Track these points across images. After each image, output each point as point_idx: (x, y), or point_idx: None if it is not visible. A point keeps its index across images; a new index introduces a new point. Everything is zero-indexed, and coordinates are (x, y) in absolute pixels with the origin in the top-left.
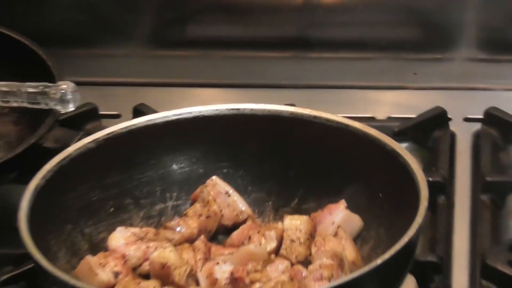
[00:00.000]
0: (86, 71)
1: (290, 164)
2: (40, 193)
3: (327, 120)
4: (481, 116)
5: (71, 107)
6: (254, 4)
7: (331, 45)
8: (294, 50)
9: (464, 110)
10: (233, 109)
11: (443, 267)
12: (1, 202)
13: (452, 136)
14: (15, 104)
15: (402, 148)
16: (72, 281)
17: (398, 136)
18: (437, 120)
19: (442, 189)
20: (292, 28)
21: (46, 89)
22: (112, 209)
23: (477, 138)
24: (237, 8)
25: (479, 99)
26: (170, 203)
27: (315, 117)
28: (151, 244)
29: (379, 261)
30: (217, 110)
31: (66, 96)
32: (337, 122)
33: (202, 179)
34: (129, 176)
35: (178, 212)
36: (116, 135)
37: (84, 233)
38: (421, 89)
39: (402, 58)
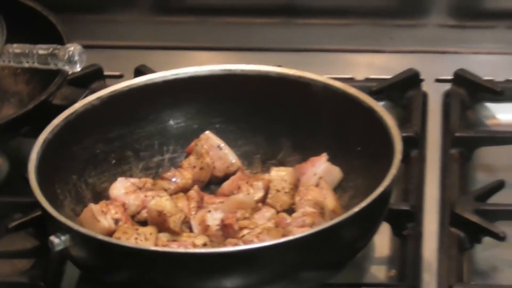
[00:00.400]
0: (92, 35)
1: (277, 120)
2: (48, 145)
3: (311, 79)
4: (450, 77)
5: (78, 68)
6: None
7: (315, 12)
8: (281, 17)
9: (435, 72)
10: (225, 69)
11: (415, 215)
12: (13, 154)
13: (424, 95)
14: (26, 65)
15: (378, 106)
16: (75, 227)
17: (375, 95)
18: (410, 80)
19: (415, 144)
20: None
21: (55, 51)
22: (114, 161)
23: (447, 97)
24: None
25: (449, 62)
26: (167, 156)
27: (299, 77)
28: (149, 193)
29: (356, 209)
30: (210, 70)
31: (73, 57)
32: (320, 82)
33: (196, 133)
34: (130, 130)
35: (174, 164)
36: (119, 93)
37: (88, 183)
38: (396, 52)
39: (379, 24)
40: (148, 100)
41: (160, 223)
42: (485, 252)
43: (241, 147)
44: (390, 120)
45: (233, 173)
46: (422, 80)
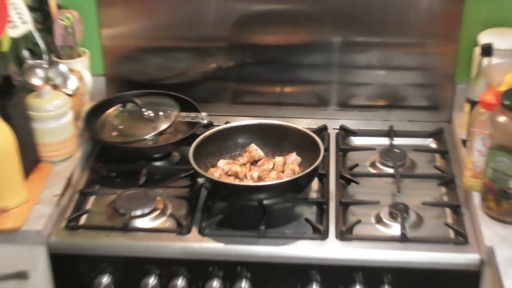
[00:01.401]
0: (209, 110)
1: (277, 141)
2: (195, 148)
3: (291, 126)
4: (338, 127)
5: (205, 122)
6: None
7: (289, 105)
8: (276, 106)
9: (333, 126)
10: (259, 122)
11: (326, 176)
12: (182, 152)
13: (329, 134)
14: (186, 120)
15: (315, 136)
16: (206, 175)
17: (313, 133)
18: (320, 129)
19: (326, 150)
20: (276, 99)
21: (197, 114)
22: (218, 154)
23: (337, 135)
24: (262, 93)
25: (338, 122)
26: (237, 152)
27: (286, 125)
28: (232, 165)
29: (306, 171)
30: (253, 122)
31: (204, 118)
32: (294, 127)
33: (248, 144)
34: (224, 143)
35: (240, 155)
36: (220, 130)
37: (209, 161)
38: (318, 119)
39: (313, 109)
40: (231, 133)
41: (236, 175)
42: (352, 189)
43: (264, 149)
44: (319, 141)
45: (261, 159)
46: (327, 128)
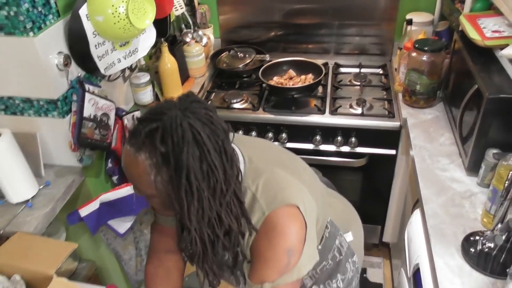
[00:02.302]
0: (270, 54)
1: (303, 68)
2: (262, 71)
3: (309, 61)
4: (334, 63)
5: (267, 59)
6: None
7: (310, 52)
8: (303, 53)
9: (331, 62)
10: (295, 59)
11: (326, 85)
12: (257, 74)
13: (329, 66)
14: (258, 58)
15: (321, 65)
16: (267, 83)
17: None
18: (324, 64)
19: (327, 73)
20: (303, 50)
21: (264, 56)
22: (274, 74)
23: (333, 67)
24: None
25: (334, 61)
26: (283, 73)
27: (308, 60)
28: (280, 79)
29: (315, 81)
30: (291, 59)
31: (267, 58)
32: (312, 61)
33: (288, 69)
34: (277, 68)
35: (284, 74)
36: (275, 62)
37: (269, 77)
38: (323, 59)
39: (320, 54)
40: (280, 64)
41: (281, 84)
42: (338, 91)
43: (296, 72)
44: (323, 68)
45: (294, 76)
46: (328, 64)
